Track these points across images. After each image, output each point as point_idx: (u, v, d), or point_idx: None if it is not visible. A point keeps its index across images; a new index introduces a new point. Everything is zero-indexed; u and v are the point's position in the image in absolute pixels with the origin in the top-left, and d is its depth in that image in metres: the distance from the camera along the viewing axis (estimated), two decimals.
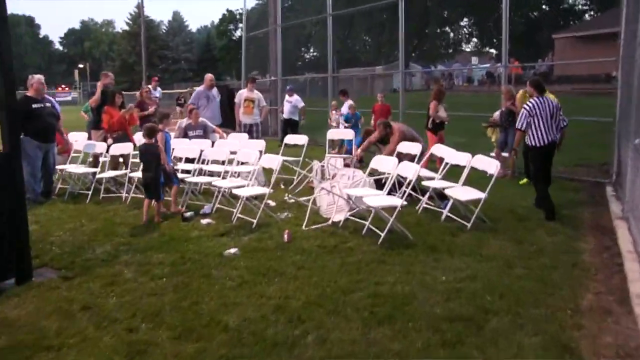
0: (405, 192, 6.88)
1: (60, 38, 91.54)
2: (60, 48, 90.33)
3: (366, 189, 6.64)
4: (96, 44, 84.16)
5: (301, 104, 14.40)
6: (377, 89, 29.75)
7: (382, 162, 6.95)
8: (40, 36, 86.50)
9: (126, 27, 63.23)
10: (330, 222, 6.44)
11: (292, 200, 7.74)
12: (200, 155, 8.29)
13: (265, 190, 6.70)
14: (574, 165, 10.57)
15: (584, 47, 18.62)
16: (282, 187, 9.07)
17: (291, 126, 14.35)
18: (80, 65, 66.01)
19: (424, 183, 7.22)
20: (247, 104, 11.52)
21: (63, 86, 66.01)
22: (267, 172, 8.55)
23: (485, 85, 20.08)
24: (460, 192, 6.53)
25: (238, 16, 26.75)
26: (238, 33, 22.49)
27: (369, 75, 33.86)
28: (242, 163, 7.84)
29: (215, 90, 11.28)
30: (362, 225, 6.19)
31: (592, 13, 26.85)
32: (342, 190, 6.50)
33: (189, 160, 8.42)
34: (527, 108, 6.84)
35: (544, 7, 27.22)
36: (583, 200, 7.93)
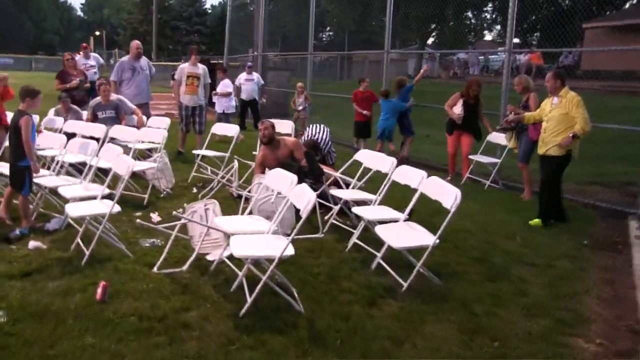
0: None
1: (82, 4, 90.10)
2: (81, 14, 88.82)
3: (255, 219, 4.36)
4: (115, 11, 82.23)
5: (262, 82, 12.53)
6: (389, 74, 27.21)
7: (272, 178, 4.53)
8: (60, 1, 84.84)
9: None
10: (185, 267, 4.16)
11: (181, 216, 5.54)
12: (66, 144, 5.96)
13: (105, 209, 4.42)
14: (589, 182, 8.18)
15: (620, 40, 15.98)
16: (195, 191, 6.91)
17: (252, 107, 12.79)
18: (97, 33, 64.23)
19: (354, 209, 4.95)
20: (190, 81, 9.23)
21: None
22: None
23: (501, 76, 17.65)
24: (397, 236, 4.22)
25: None
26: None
27: (382, 59, 31.15)
28: None
29: (144, 61, 9.00)
30: (237, 275, 3.98)
31: (634, 1, 23.73)
32: (215, 218, 4.24)
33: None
34: None
35: None
36: (595, 242, 5.60)
